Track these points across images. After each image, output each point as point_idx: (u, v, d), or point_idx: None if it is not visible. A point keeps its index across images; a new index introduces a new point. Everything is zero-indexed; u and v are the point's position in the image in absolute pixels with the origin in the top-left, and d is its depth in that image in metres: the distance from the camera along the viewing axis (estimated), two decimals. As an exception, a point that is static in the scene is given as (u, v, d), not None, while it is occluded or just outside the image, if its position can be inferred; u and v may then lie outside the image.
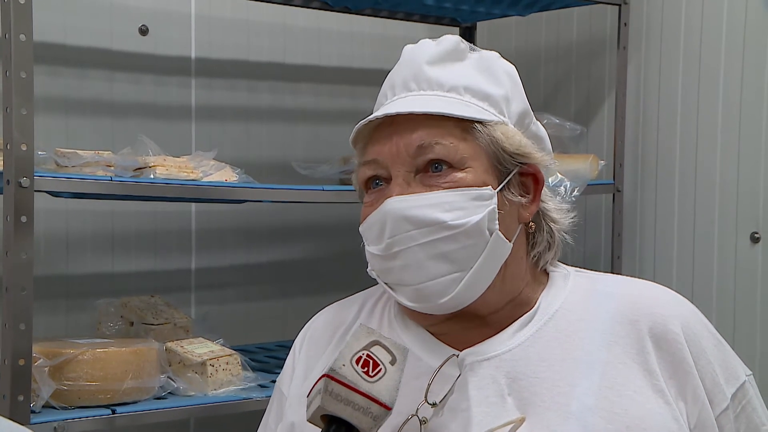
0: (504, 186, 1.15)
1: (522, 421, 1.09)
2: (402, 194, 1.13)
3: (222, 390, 1.94)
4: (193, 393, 1.92)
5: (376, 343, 1.01)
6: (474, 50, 1.23)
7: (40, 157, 1.82)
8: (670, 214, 2.55)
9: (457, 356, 1.15)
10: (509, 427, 1.08)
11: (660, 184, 2.58)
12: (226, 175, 2.05)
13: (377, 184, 1.17)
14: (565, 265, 1.26)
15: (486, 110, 1.17)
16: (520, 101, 1.21)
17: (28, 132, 1.70)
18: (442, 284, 1.12)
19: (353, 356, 0.99)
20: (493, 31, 2.97)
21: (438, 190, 1.12)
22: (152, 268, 2.54)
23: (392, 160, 1.15)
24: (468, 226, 1.11)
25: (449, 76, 1.18)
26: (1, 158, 1.75)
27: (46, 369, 1.74)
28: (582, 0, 2.55)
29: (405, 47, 1.24)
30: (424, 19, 2.84)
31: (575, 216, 1.26)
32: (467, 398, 1.12)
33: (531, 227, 1.20)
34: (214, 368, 1.94)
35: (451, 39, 1.22)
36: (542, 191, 1.20)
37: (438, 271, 1.12)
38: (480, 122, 1.15)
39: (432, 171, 1.14)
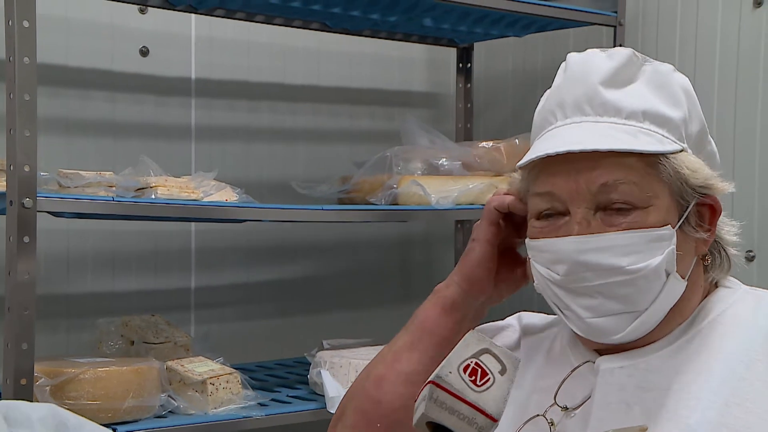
0: (683, 221, 1.10)
1: (643, 430, 1.06)
2: (581, 234, 1.08)
3: (222, 408, 1.95)
4: (193, 411, 1.93)
5: (486, 351, 0.96)
6: (647, 62, 1.15)
7: (43, 178, 1.83)
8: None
9: (594, 362, 1.14)
10: (628, 431, 1.06)
11: (656, 203, 2.59)
12: (226, 195, 2.07)
13: (549, 214, 1.12)
14: (738, 282, 1.22)
15: (666, 137, 1.10)
16: (697, 120, 1.15)
17: (31, 153, 1.72)
18: (614, 321, 1.09)
19: (461, 364, 0.95)
20: (491, 52, 2.99)
21: (618, 230, 1.07)
22: (152, 288, 2.55)
23: (571, 197, 1.09)
24: (646, 270, 1.07)
25: (627, 99, 1.11)
26: (5, 179, 1.76)
27: (48, 388, 1.75)
28: (578, 21, 2.57)
29: (571, 57, 1.17)
30: (422, 39, 2.86)
31: (739, 235, 1.21)
32: (592, 403, 1.11)
33: (707, 260, 1.16)
34: (215, 387, 1.95)
35: (624, 52, 1.14)
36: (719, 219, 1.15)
37: (610, 309, 1.08)
38: (663, 154, 1.09)
39: (614, 210, 1.08)
